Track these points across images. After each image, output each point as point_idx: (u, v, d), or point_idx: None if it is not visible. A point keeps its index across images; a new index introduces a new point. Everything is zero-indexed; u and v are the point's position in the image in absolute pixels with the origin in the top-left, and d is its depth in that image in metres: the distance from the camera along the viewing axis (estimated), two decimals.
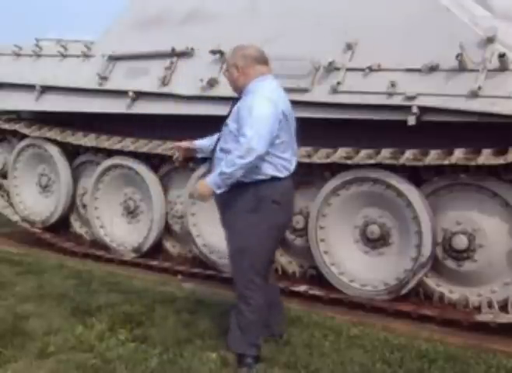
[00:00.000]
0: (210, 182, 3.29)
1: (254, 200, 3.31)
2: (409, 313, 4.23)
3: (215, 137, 3.60)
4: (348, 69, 4.43)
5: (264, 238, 3.35)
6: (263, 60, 3.46)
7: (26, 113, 6.51)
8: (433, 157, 4.13)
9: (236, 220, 3.39)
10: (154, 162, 5.54)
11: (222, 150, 3.42)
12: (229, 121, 3.41)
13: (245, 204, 3.32)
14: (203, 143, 3.76)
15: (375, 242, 4.46)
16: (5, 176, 6.64)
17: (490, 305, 4.09)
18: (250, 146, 3.18)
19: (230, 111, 3.46)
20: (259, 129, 3.20)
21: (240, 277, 3.39)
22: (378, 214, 4.45)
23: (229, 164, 3.23)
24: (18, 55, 6.48)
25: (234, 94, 4.75)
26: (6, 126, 6.43)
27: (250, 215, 3.32)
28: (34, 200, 6.38)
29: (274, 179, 3.33)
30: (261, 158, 3.25)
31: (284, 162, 3.37)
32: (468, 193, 4.17)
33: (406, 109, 4.12)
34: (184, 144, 3.84)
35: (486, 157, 3.95)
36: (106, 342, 3.68)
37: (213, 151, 3.52)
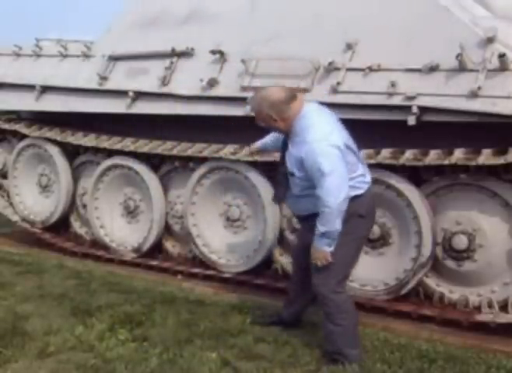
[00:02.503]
0: (319, 247, 3.33)
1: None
2: (409, 313, 4.23)
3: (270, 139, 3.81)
4: (348, 69, 4.42)
5: (349, 250, 3.43)
6: (291, 96, 3.37)
7: (26, 113, 6.51)
8: (433, 157, 4.13)
9: None
10: (154, 162, 5.54)
11: (299, 196, 3.46)
12: (292, 170, 3.38)
13: None
14: (265, 143, 3.93)
15: (375, 242, 4.46)
16: (5, 176, 6.63)
17: (490, 305, 4.09)
18: (337, 205, 3.21)
19: (283, 154, 3.48)
20: (336, 187, 3.21)
21: (327, 286, 3.43)
22: (378, 214, 4.43)
23: (324, 221, 3.25)
24: (18, 55, 6.47)
25: (235, 94, 4.81)
26: (6, 126, 6.42)
27: None
28: (34, 200, 6.38)
29: (357, 196, 3.37)
30: None
31: (360, 178, 3.42)
32: (468, 193, 4.17)
33: (406, 109, 4.11)
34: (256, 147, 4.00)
35: (486, 157, 3.95)
36: (106, 342, 3.68)
37: (284, 190, 3.57)
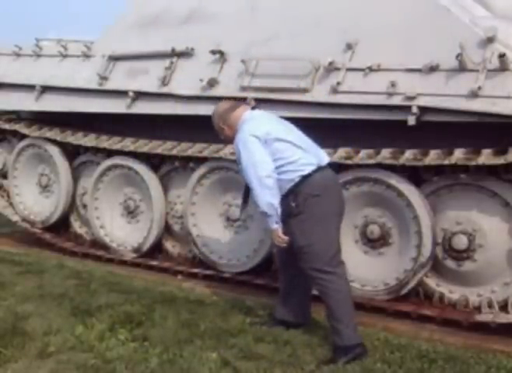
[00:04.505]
0: (270, 227, 3.65)
1: (297, 204, 3.56)
2: (409, 313, 4.23)
3: None
4: (348, 69, 4.43)
5: (323, 230, 3.58)
6: (233, 106, 3.85)
7: (26, 113, 6.51)
8: (433, 157, 4.13)
9: (289, 226, 3.62)
10: (154, 162, 5.54)
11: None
12: (238, 166, 3.81)
13: (292, 210, 3.58)
14: None
15: (375, 242, 4.46)
16: (5, 176, 6.63)
17: (490, 305, 4.09)
18: (257, 179, 3.54)
19: None
20: (252, 164, 3.57)
21: (312, 271, 3.61)
22: (378, 214, 4.45)
23: (256, 199, 3.59)
24: (18, 55, 6.47)
25: (235, 94, 4.82)
26: (6, 126, 6.42)
27: (298, 217, 3.57)
28: (34, 200, 6.38)
29: (304, 177, 3.57)
30: (279, 174, 3.56)
31: (301, 161, 3.61)
32: (468, 193, 4.17)
33: (406, 109, 4.11)
34: None
35: (486, 157, 3.95)
36: (106, 342, 3.68)
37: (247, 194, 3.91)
